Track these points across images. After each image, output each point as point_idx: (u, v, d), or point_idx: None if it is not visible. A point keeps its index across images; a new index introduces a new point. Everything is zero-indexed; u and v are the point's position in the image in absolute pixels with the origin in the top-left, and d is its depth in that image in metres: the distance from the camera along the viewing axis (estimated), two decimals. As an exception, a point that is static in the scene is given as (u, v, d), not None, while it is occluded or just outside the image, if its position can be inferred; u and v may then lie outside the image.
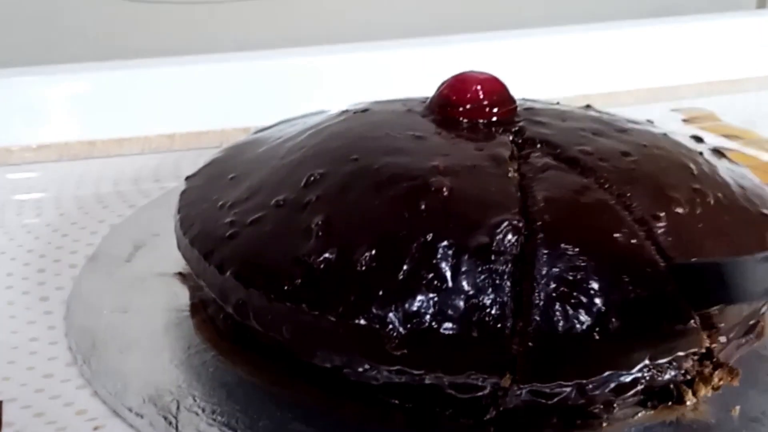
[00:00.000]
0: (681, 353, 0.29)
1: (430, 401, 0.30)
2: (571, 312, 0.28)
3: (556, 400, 0.30)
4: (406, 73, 0.62)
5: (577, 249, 0.29)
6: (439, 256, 0.29)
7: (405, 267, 0.29)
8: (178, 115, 0.59)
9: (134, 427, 0.31)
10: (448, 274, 0.29)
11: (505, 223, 0.30)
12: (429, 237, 0.30)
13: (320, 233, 0.31)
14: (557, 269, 0.29)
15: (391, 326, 0.28)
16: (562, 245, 0.29)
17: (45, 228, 0.47)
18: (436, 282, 0.29)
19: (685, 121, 0.66)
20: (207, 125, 0.59)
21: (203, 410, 0.31)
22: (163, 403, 0.32)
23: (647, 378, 0.30)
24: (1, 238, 0.46)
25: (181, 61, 0.61)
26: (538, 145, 0.35)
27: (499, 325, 0.28)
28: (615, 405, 0.31)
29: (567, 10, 0.77)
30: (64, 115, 0.58)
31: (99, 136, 0.57)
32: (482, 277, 0.29)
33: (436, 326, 0.28)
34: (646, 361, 0.29)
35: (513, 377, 0.28)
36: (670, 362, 0.30)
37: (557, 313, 0.28)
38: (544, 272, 0.29)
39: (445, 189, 0.31)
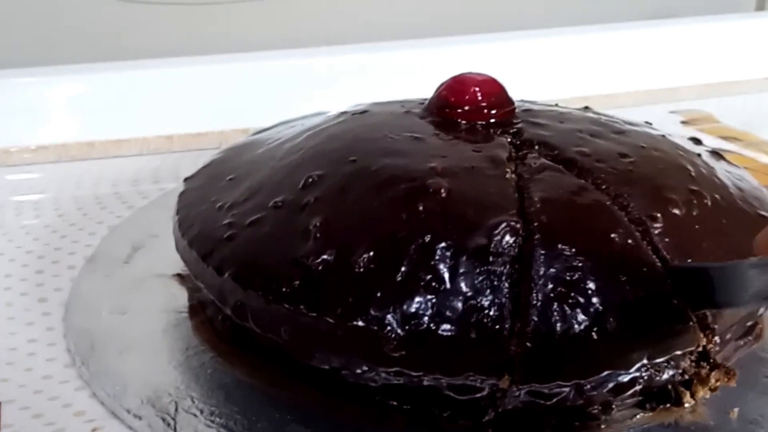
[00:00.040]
0: (678, 352, 0.29)
1: (429, 403, 0.30)
2: (568, 312, 0.28)
3: (554, 400, 0.30)
4: (404, 74, 0.62)
5: (574, 250, 0.29)
6: (437, 257, 0.29)
7: (403, 268, 0.29)
8: (177, 116, 0.59)
9: (133, 429, 0.31)
10: (446, 276, 0.29)
11: (503, 225, 0.30)
12: (427, 238, 0.30)
13: (318, 235, 0.31)
14: (555, 270, 0.29)
15: (389, 328, 0.28)
16: (560, 246, 0.29)
17: (44, 229, 0.47)
18: (434, 283, 0.29)
19: (683, 122, 0.66)
20: (206, 126, 0.59)
21: (202, 412, 0.31)
22: (162, 404, 0.32)
23: (645, 378, 0.30)
24: (-1, 239, 0.46)
25: (180, 62, 0.61)
26: (536, 147, 0.35)
27: (497, 326, 0.28)
28: (613, 406, 0.31)
29: (565, 11, 0.77)
30: (62, 116, 0.58)
31: (98, 137, 0.57)
32: (480, 278, 0.29)
33: (434, 328, 0.28)
34: (644, 361, 0.29)
35: (511, 378, 0.28)
36: (667, 361, 0.30)
37: (555, 313, 0.28)
38: (541, 273, 0.29)
39: (443, 190, 0.31)
